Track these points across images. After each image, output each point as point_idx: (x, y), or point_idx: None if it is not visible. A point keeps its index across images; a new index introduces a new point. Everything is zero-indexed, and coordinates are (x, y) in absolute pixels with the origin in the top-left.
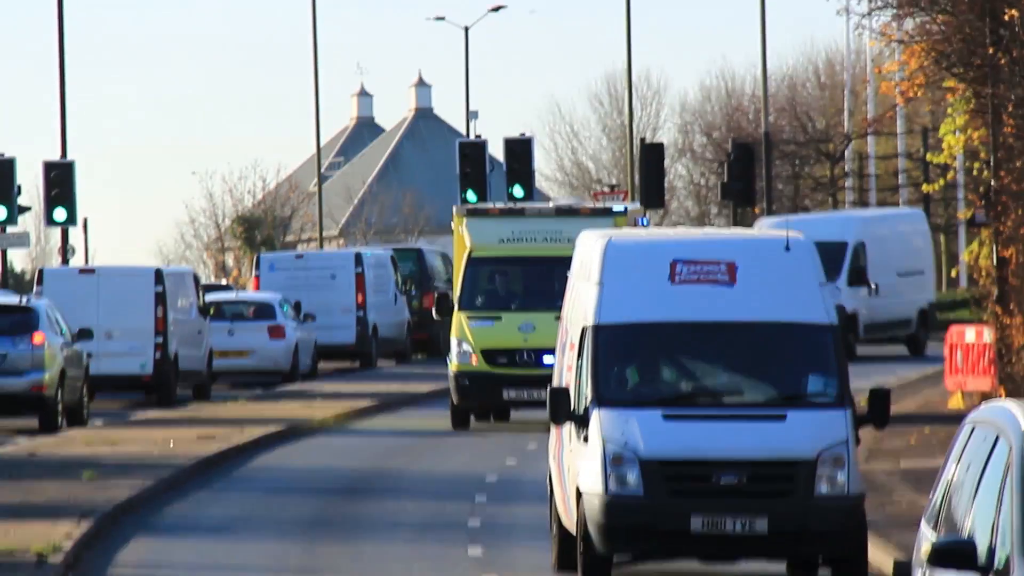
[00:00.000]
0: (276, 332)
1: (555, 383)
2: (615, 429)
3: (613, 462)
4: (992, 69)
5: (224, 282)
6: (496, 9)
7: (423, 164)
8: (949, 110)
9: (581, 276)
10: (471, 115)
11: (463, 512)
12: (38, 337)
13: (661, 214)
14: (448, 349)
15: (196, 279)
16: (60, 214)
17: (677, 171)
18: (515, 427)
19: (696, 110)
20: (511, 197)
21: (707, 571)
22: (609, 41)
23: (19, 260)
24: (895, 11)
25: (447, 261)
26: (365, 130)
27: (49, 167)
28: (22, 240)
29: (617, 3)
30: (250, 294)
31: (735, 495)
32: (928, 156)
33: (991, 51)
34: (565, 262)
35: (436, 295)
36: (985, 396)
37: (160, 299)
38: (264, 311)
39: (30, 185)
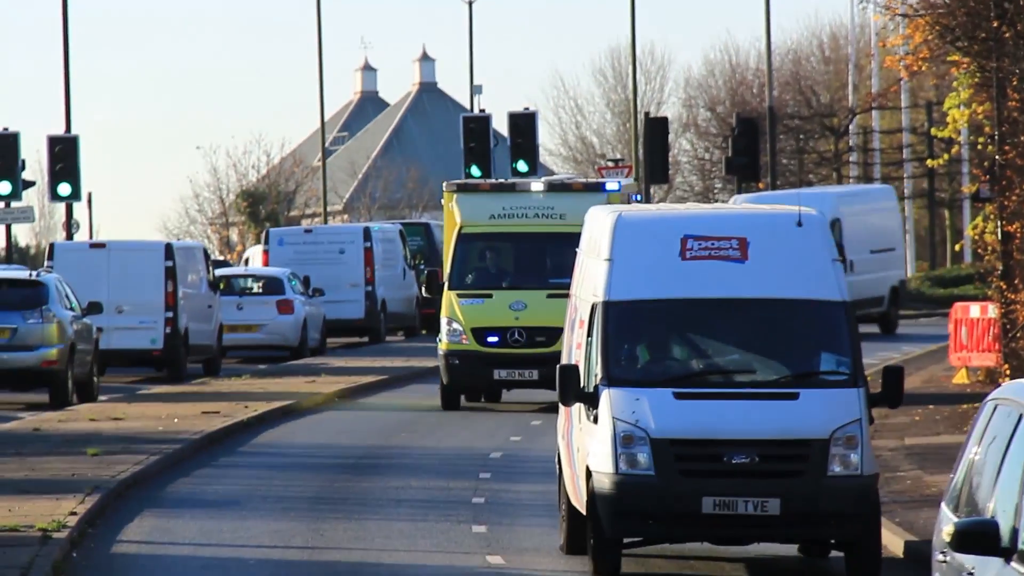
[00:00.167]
0: (285, 307)
1: (564, 361)
2: (625, 408)
3: (623, 441)
4: (997, 42)
5: (223, 258)
6: None
7: (427, 138)
8: (954, 84)
9: (590, 252)
10: (475, 89)
11: (468, 489)
12: (48, 312)
13: (665, 189)
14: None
15: (206, 253)
16: (64, 189)
17: (681, 146)
18: (516, 405)
19: (700, 84)
20: (515, 172)
21: (718, 553)
22: (613, 15)
23: (23, 235)
24: None
25: None
26: (369, 104)
27: (53, 142)
28: (27, 215)
29: None
30: (259, 268)
31: (747, 475)
32: (932, 130)
33: (996, 24)
34: (557, 239)
35: (425, 273)
36: (990, 372)
37: (170, 274)
38: (273, 286)
39: (34, 160)
